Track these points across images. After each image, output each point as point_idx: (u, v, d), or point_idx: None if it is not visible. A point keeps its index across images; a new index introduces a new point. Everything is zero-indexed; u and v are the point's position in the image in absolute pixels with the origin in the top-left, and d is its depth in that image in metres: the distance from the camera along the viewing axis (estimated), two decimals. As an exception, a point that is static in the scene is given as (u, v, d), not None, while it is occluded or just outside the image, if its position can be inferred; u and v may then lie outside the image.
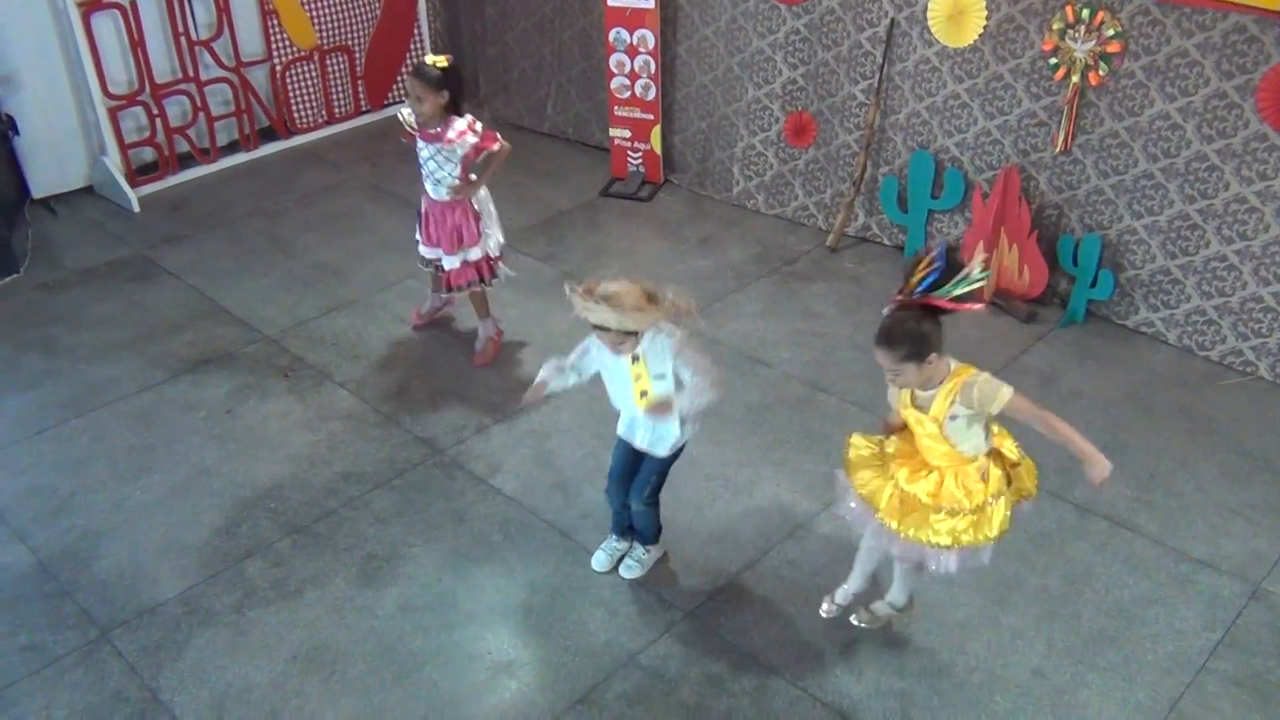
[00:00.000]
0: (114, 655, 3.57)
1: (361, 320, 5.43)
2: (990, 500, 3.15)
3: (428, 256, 4.96)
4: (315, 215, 6.51)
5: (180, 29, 6.58)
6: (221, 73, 6.87)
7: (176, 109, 6.77)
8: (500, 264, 4.97)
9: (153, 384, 4.95)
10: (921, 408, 3.12)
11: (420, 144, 4.70)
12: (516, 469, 4.40)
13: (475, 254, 4.83)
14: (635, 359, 3.45)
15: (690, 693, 3.43)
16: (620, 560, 3.92)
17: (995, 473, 3.17)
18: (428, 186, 4.79)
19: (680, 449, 3.69)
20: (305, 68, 7.27)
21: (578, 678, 3.49)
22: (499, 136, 4.71)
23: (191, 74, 6.72)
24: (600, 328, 3.32)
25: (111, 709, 3.39)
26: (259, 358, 5.14)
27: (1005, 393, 3.00)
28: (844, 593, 3.69)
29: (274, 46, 7.06)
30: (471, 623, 3.70)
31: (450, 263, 4.83)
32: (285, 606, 3.76)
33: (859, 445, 3.37)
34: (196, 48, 6.69)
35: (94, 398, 4.85)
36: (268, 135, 7.28)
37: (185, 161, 6.90)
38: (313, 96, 7.40)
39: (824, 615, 3.68)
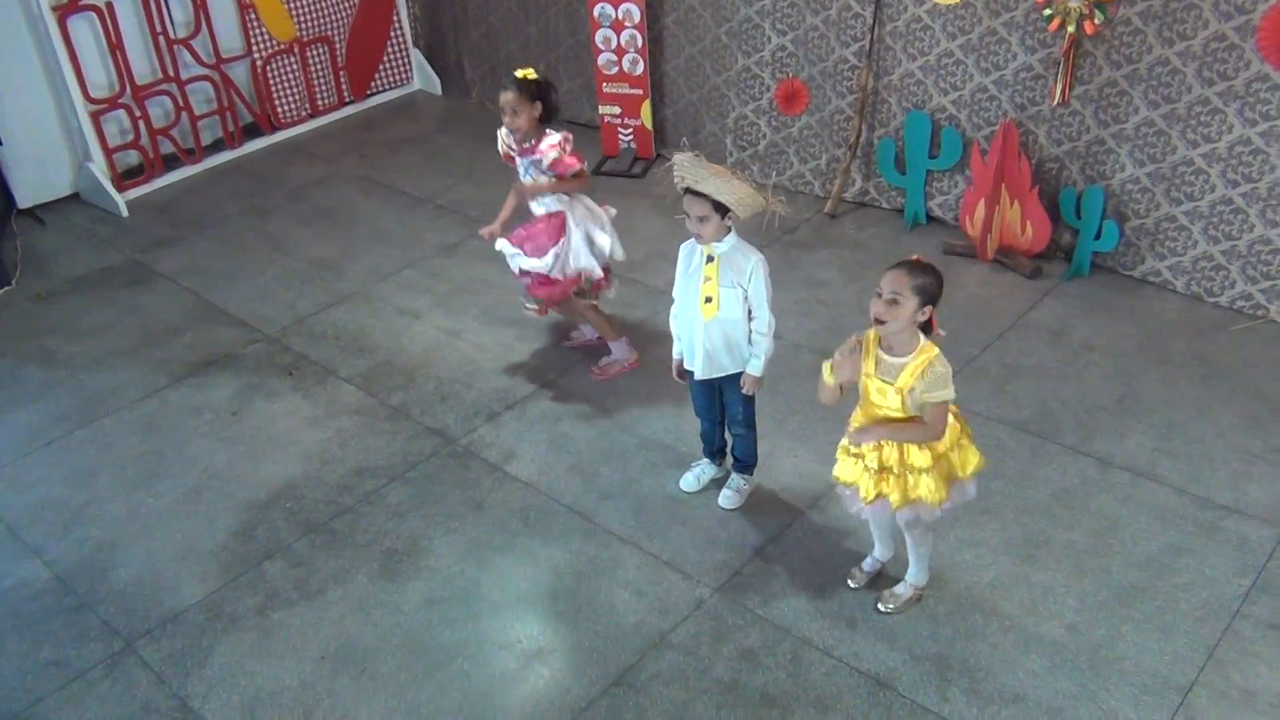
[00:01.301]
0: (140, 666, 3.53)
1: (362, 314, 5.37)
2: (953, 445, 3.26)
3: (502, 251, 4.59)
4: (306, 210, 6.44)
5: (158, 28, 6.49)
6: (202, 70, 6.78)
7: (159, 110, 6.68)
8: (608, 283, 4.68)
9: (155, 389, 4.88)
10: (886, 377, 3.16)
11: (519, 161, 4.49)
12: (531, 455, 4.36)
13: (540, 266, 4.49)
14: (710, 259, 3.56)
15: (725, 669, 3.40)
16: (706, 486, 4.13)
17: (950, 424, 3.24)
18: (530, 205, 4.57)
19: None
20: (286, 61, 7.17)
21: (610, 661, 3.46)
22: (582, 161, 4.49)
23: (172, 73, 6.63)
24: (693, 193, 3.46)
25: (142, 720, 3.36)
26: (261, 357, 5.08)
27: (947, 394, 3.11)
28: (871, 561, 3.68)
29: (253, 41, 6.96)
30: (498, 612, 3.67)
31: (518, 263, 4.53)
32: (309, 606, 3.72)
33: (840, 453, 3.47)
34: (175, 46, 6.59)
35: (97, 407, 4.78)
36: (252, 132, 7.20)
37: (170, 163, 6.83)
38: (295, 90, 7.31)
39: (852, 586, 3.65)
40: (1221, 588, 3.56)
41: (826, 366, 3.26)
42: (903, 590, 3.59)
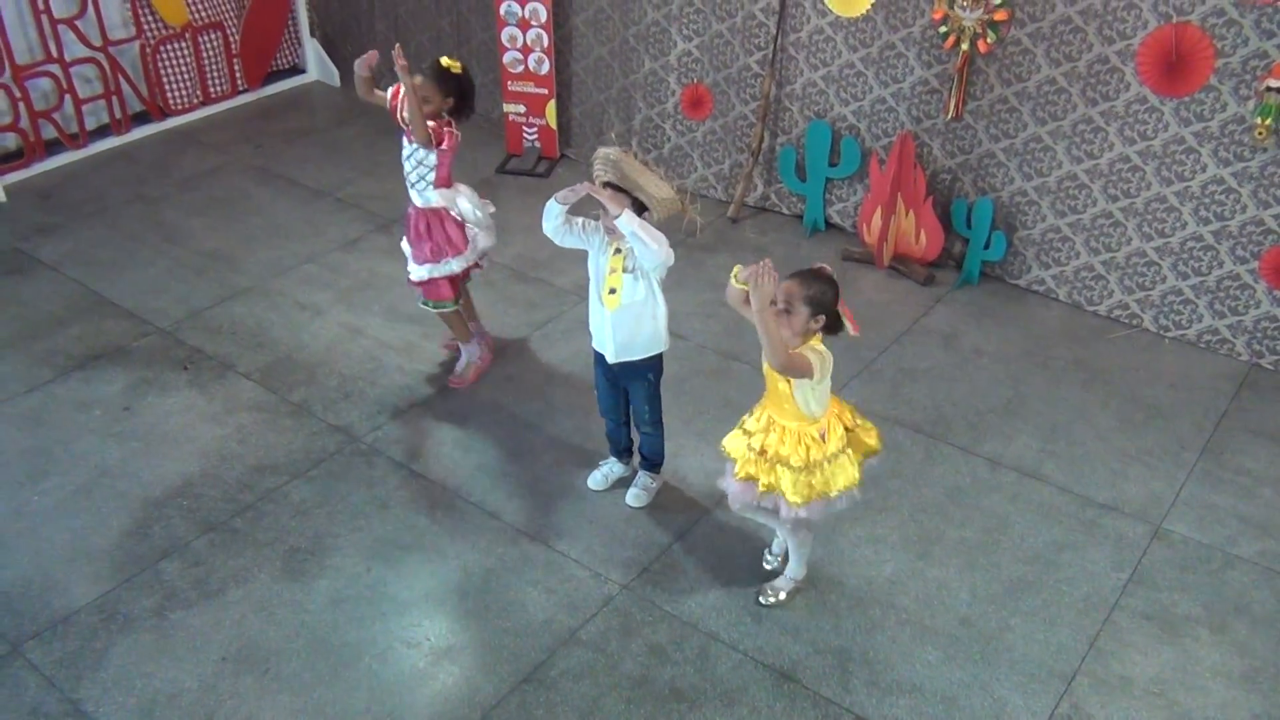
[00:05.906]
0: (28, 669, 3.39)
1: (260, 308, 5.25)
2: (831, 457, 3.33)
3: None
4: (199, 200, 6.25)
5: (40, 6, 6.21)
6: (87, 52, 6.51)
7: (39, 92, 6.39)
8: (476, 269, 4.61)
9: (40, 383, 4.69)
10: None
11: (404, 143, 4.32)
12: (437, 452, 4.34)
13: (455, 267, 4.45)
14: (618, 250, 3.59)
15: (634, 664, 3.45)
16: (614, 484, 4.15)
17: (836, 432, 3.35)
18: (411, 192, 4.39)
19: (660, 369, 3.85)
20: (177, 46, 6.95)
21: (520, 658, 3.47)
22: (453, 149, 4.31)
23: (55, 54, 6.35)
24: (615, 188, 3.47)
25: (31, 726, 3.23)
26: (154, 351, 4.92)
27: (814, 359, 3.18)
28: (779, 543, 3.80)
29: (143, 24, 6.73)
30: (406, 611, 3.64)
31: (417, 273, 4.45)
32: (209, 606, 3.63)
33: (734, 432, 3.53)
34: (59, 26, 6.32)
35: (-24, 401, 4.58)
36: (141, 118, 6.96)
37: (53, 147, 6.55)
38: (187, 76, 7.08)
39: (767, 567, 3.78)
40: (1101, 581, 3.77)
41: (735, 271, 3.28)
42: (781, 584, 3.70)
